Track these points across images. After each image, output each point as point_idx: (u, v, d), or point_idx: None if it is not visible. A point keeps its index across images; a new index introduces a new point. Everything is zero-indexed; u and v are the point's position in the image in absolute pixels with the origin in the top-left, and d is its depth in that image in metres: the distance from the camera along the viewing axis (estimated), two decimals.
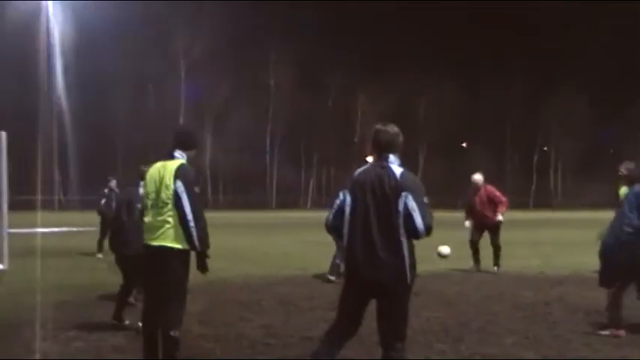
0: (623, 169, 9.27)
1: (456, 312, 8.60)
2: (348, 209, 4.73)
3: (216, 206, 59.65)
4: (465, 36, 74.25)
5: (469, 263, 13.04)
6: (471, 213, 13.13)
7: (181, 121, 60.00)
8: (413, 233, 4.58)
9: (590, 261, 14.93)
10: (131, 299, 8.23)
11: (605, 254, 7.15)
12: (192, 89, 62.80)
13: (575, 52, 74.39)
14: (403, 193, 4.56)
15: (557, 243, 20.59)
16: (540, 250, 17.79)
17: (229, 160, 63.32)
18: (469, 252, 13.04)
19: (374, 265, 4.59)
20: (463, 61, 72.50)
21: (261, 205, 62.74)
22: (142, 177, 7.58)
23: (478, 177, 13.10)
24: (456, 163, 72.48)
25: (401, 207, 4.55)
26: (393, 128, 4.89)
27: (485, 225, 12.85)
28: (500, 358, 6.25)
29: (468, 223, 13.27)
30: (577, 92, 73.38)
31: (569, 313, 8.57)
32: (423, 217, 4.54)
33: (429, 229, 4.56)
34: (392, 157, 4.75)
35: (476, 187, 13.01)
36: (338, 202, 4.79)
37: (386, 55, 70.51)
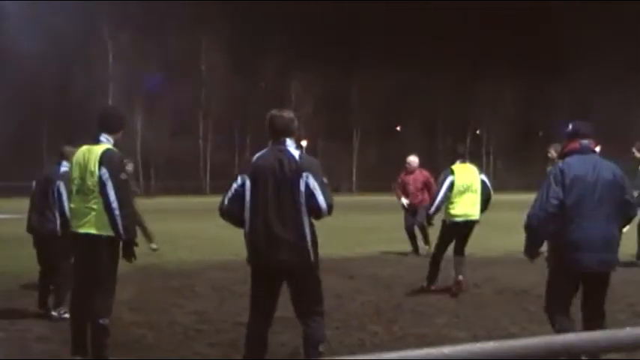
0: (552, 150, 9.81)
1: (390, 294, 8.69)
2: (248, 194, 4.76)
3: (148, 192, 58.68)
4: (396, 20, 74.76)
5: (403, 246, 13.15)
6: (404, 193, 13.02)
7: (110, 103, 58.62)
8: (316, 212, 4.70)
9: (520, 242, 15.36)
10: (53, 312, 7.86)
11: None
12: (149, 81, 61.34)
13: (503, 36, 75.77)
14: (304, 174, 4.67)
15: (487, 225, 20.85)
16: (473, 232, 18.09)
17: (162, 145, 62.24)
18: (403, 235, 13.12)
19: (277, 247, 4.68)
20: (395, 44, 72.97)
21: (195, 190, 62.01)
22: (65, 156, 7.39)
23: (413, 158, 13.08)
24: (390, 147, 73.22)
25: (302, 187, 4.65)
26: (288, 114, 5.03)
27: (416, 208, 12.81)
28: (432, 338, 6.34)
29: (404, 200, 13.06)
30: (506, 75, 74.86)
31: (499, 293, 8.76)
32: (325, 196, 4.67)
33: (330, 208, 4.70)
34: (289, 141, 4.85)
35: (410, 169, 12.99)
36: (235, 186, 4.81)
37: (319, 39, 70.34)
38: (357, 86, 74.28)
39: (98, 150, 5.43)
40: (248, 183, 4.75)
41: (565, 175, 5.09)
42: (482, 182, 9.10)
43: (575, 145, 5.30)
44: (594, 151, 5.39)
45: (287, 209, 4.68)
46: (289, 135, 4.89)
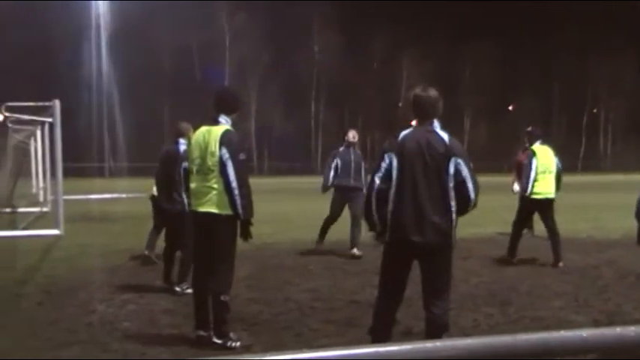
0: None
1: (504, 276, 8.56)
2: (395, 173, 4.68)
3: (261, 172, 59.94)
4: None
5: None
6: (519, 173, 12.67)
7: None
8: (465, 200, 4.65)
9: None
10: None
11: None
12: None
13: (622, 10, 71.92)
14: (453, 158, 4.59)
15: (606, 206, 20.19)
16: (589, 214, 17.51)
17: (275, 126, 63.42)
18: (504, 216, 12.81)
19: (423, 228, 4.60)
20: (507, 23, 70.82)
21: (307, 170, 62.80)
22: (181, 134, 7.75)
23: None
24: (502, 126, 71.40)
25: (452, 171, 4.60)
26: (434, 93, 4.86)
27: None
28: (549, 321, 6.21)
29: (516, 187, 12.84)
30: (625, 52, 71.20)
31: (620, 276, 8.46)
32: (475, 187, 4.64)
33: (476, 201, 4.68)
34: (436, 122, 4.75)
35: (526, 146, 12.46)
36: (384, 165, 4.72)
37: (430, 17, 69.32)
38: (469, 63, 72.79)
39: (218, 131, 5.58)
40: (395, 162, 4.68)
41: None
42: (556, 163, 9.63)
43: None
44: None
45: (435, 191, 4.62)
46: (435, 115, 4.78)
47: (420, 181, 4.62)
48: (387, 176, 4.71)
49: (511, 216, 12.03)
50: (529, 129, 10.33)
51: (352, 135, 10.77)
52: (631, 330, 1.81)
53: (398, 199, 4.69)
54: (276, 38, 61.98)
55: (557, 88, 76.80)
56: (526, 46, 72.74)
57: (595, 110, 79.79)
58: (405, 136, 4.76)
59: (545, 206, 9.52)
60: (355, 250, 10.23)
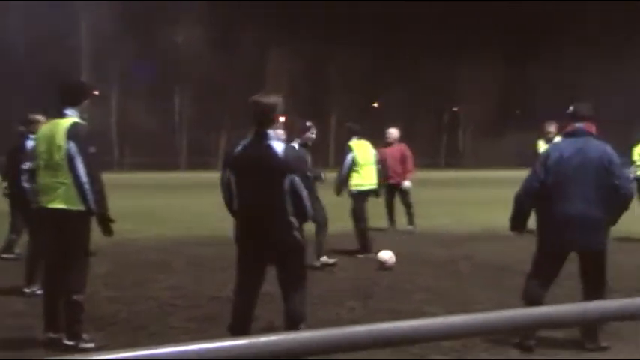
0: (552, 128, 11.62)
1: (368, 270, 8.67)
2: (234, 186, 4.83)
3: (122, 168, 58.21)
4: None
5: (381, 222, 13.15)
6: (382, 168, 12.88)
7: (83, 77, 57.74)
8: (301, 217, 4.78)
9: (500, 218, 15.48)
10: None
11: None
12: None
13: (484, 12, 75.55)
14: (289, 175, 4.66)
15: (467, 201, 21.07)
16: (450, 209, 18.15)
17: (137, 121, 61.48)
18: (384, 211, 13.10)
19: (264, 234, 4.79)
20: (374, 20, 72.47)
21: (171, 166, 61.54)
22: (26, 125, 7.41)
23: (393, 130, 12.94)
24: (367, 123, 73.15)
25: (286, 186, 4.66)
26: (270, 99, 4.94)
27: (394, 181, 12.64)
28: (406, 313, 6.34)
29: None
30: (485, 54, 74.92)
31: (477, 269, 8.79)
32: (308, 203, 4.75)
33: (310, 215, 4.89)
34: (271, 133, 4.77)
35: (388, 141, 12.77)
36: (223, 177, 4.91)
37: (297, 14, 69.61)
38: (335, 62, 73.87)
39: (65, 124, 5.31)
40: (232, 177, 4.79)
41: (550, 157, 5.27)
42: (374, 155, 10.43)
43: (569, 128, 5.45)
44: (589, 133, 5.38)
45: (270, 206, 4.70)
46: (271, 123, 4.79)
47: (256, 195, 4.74)
48: (224, 187, 4.91)
49: (376, 210, 12.30)
50: (348, 124, 11.20)
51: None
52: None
53: (240, 209, 4.88)
54: (138, 30, 60.16)
55: (420, 87, 79.50)
56: (391, 45, 74.75)
57: (455, 109, 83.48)
58: (240, 148, 4.82)
59: (366, 195, 10.16)
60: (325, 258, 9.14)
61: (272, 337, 1.66)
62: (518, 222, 5.57)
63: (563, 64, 74.40)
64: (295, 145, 8.70)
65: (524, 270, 8.18)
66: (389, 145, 12.74)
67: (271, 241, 4.78)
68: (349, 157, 10.08)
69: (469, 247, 10.69)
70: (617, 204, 5.25)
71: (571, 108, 5.52)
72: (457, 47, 75.09)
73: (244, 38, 68.47)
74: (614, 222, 5.38)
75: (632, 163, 12.08)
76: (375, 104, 79.08)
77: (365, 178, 10.09)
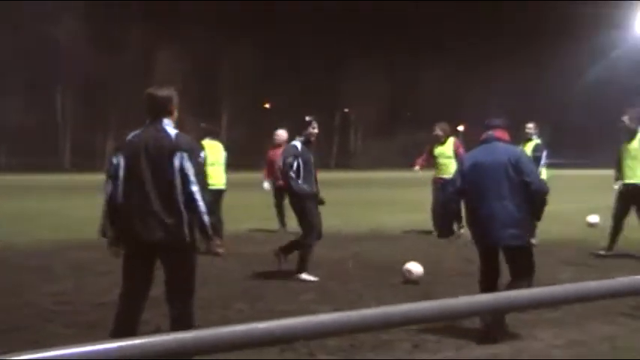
0: (439, 129, 12.25)
1: (257, 272, 8.63)
2: (122, 172, 4.71)
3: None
4: None
5: (271, 224, 13.14)
6: (270, 170, 12.73)
7: None
8: (190, 202, 4.64)
9: (388, 219, 15.90)
10: None
11: None
12: None
13: (373, 14, 77.13)
14: (178, 153, 4.61)
15: (356, 202, 21.34)
16: (339, 210, 18.31)
17: (14, 120, 58.37)
18: (272, 212, 13.10)
19: (152, 225, 4.61)
20: (265, 18, 72.38)
21: (53, 167, 59.04)
22: None
23: (281, 132, 12.83)
24: (258, 123, 73.07)
25: (177, 166, 4.60)
26: (165, 92, 4.92)
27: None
28: (296, 314, 6.35)
29: (267, 185, 13.05)
30: (373, 54, 76.43)
31: (364, 269, 8.92)
32: (201, 187, 4.66)
33: (204, 202, 4.67)
34: (166, 121, 4.79)
35: (277, 143, 12.67)
36: (112, 164, 4.77)
37: (187, 10, 68.35)
38: (226, 61, 73.29)
39: None
40: (122, 162, 4.70)
41: (464, 163, 5.86)
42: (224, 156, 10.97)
43: (483, 135, 5.95)
44: (498, 139, 5.88)
45: (162, 188, 4.62)
46: (167, 114, 4.81)
47: (147, 178, 4.63)
48: (111, 175, 4.76)
49: (266, 212, 12.29)
50: (202, 125, 11.65)
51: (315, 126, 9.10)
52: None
53: (124, 198, 4.72)
54: (15, 26, 57.35)
55: (311, 87, 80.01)
56: (283, 45, 74.90)
57: (346, 110, 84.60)
58: (134, 134, 4.82)
59: (218, 195, 10.27)
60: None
61: (142, 340, 1.65)
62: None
63: (449, 68, 77.12)
64: (297, 143, 8.50)
65: None
66: (278, 146, 12.72)
67: (157, 238, 4.62)
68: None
69: (356, 248, 10.85)
70: (533, 200, 5.65)
71: (486, 121, 6.05)
72: (348, 48, 76.28)
73: (131, 36, 66.67)
74: (537, 217, 5.87)
75: None
76: (267, 105, 79.08)
77: (213, 177, 9.88)
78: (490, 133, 5.89)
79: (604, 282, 2.36)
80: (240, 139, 72.16)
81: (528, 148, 10.98)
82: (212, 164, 10.14)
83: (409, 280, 7.85)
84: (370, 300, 6.96)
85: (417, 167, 12.85)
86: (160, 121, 4.76)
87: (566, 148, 61.66)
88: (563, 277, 7.91)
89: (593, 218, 13.18)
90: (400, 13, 77.46)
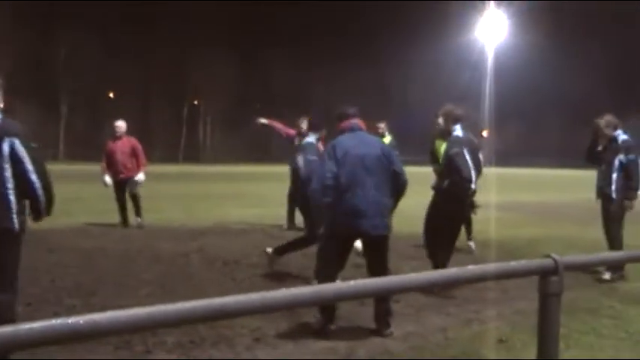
0: (382, 125, 12.62)
1: (92, 267, 8.24)
2: None
3: None
4: None
5: (109, 217, 12.63)
6: (110, 163, 12.28)
7: None
8: (30, 190, 4.55)
9: (232, 212, 15.78)
10: None
11: None
12: None
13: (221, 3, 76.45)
14: (7, 139, 4.43)
15: (202, 196, 21.04)
16: (184, 203, 18.02)
17: None
18: (111, 205, 12.58)
19: None
20: (108, 6, 69.92)
21: None
22: None
23: (121, 123, 12.37)
24: (101, 113, 70.47)
25: (6, 151, 4.43)
26: None
27: (124, 176, 12.17)
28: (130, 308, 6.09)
29: (107, 179, 12.44)
30: (226, 48, 76.03)
31: (208, 263, 8.75)
32: (38, 171, 4.53)
33: (44, 190, 4.60)
34: None
35: (117, 135, 12.27)
36: None
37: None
38: (64, 45, 69.93)
39: None
40: None
41: (337, 151, 5.63)
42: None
43: (346, 124, 5.90)
44: (362, 129, 5.95)
45: None
46: None
47: None
48: None
49: (104, 205, 11.79)
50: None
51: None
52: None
53: None
54: None
55: (158, 78, 78.13)
56: (126, 35, 72.62)
57: (196, 102, 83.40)
58: None
59: None
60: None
61: None
62: (320, 215, 5.86)
63: (298, 58, 78.40)
64: (312, 139, 8.04)
65: (253, 263, 8.45)
66: (117, 138, 12.27)
67: None
68: None
69: (200, 242, 10.63)
70: (397, 190, 5.84)
71: (341, 109, 6.07)
72: (197, 37, 75.17)
73: None
74: (395, 207, 5.94)
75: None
76: (111, 94, 76.45)
77: None
78: (354, 122, 5.90)
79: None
80: (82, 130, 69.34)
81: None
82: None
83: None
84: (215, 294, 6.76)
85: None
86: None
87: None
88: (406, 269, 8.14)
89: None
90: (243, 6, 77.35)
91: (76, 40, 67.91)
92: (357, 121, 5.92)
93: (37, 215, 4.70)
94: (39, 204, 4.59)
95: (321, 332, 5.49)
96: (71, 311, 6.00)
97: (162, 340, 5.13)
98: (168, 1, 72.39)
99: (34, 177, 4.49)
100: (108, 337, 4.46)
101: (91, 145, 60.70)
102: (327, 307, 5.44)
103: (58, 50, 70.06)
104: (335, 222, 5.63)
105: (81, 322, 1.63)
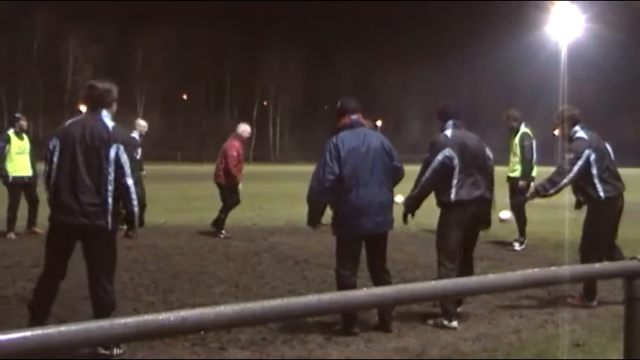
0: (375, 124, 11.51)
1: (169, 265, 8.46)
2: (57, 156, 4.88)
3: None
4: None
5: (185, 217, 12.92)
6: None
7: None
8: (123, 189, 4.85)
9: (305, 212, 15.73)
10: None
11: None
12: None
13: (292, 6, 77.07)
14: (114, 145, 4.79)
15: (273, 195, 21.22)
16: (256, 203, 18.18)
17: None
18: (188, 205, 12.87)
19: (79, 211, 4.76)
20: (181, 7, 71.25)
21: None
22: None
23: (248, 127, 12.23)
24: (176, 114, 71.99)
25: (112, 157, 4.78)
26: (105, 84, 5.09)
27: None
28: (207, 306, 6.22)
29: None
30: (294, 47, 76.55)
31: (278, 261, 8.87)
32: (133, 173, 4.88)
33: (135, 186, 4.93)
34: (105, 112, 4.94)
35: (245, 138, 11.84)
36: (49, 147, 4.93)
37: None
38: (141, 50, 71.71)
39: None
40: (58, 146, 4.87)
41: (340, 150, 5.51)
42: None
43: (345, 120, 5.74)
44: (363, 125, 5.83)
45: (93, 175, 4.78)
46: (105, 106, 4.96)
47: (80, 165, 4.77)
48: (50, 160, 4.93)
49: (181, 204, 12.04)
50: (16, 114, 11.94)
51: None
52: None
53: (58, 182, 4.86)
54: None
55: (229, 80, 79.35)
56: (202, 35, 73.79)
57: (265, 103, 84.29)
58: (72, 121, 5.04)
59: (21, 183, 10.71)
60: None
61: None
62: (316, 216, 5.88)
63: (366, 58, 78.21)
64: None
65: (323, 262, 8.48)
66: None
67: (81, 222, 4.76)
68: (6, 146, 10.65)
69: (271, 241, 10.77)
70: (395, 183, 5.85)
71: (339, 103, 5.90)
72: (267, 41, 75.75)
73: (38, 21, 63.86)
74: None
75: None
76: (185, 96, 78.00)
77: (17, 165, 10.70)
78: (354, 117, 5.74)
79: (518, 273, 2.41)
80: (158, 131, 70.85)
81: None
82: (17, 154, 10.71)
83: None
84: (286, 294, 6.89)
85: None
86: (100, 112, 4.92)
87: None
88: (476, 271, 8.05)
89: (505, 214, 13.37)
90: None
91: (152, 43, 69.52)
92: (357, 117, 5.77)
93: (130, 222, 5.10)
94: (132, 207, 4.91)
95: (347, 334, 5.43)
96: (150, 308, 6.19)
97: (236, 337, 5.23)
98: (238, 2, 73.23)
99: (130, 182, 4.83)
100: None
101: (167, 145, 62.17)
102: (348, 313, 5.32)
103: (136, 54, 71.81)
104: (343, 222, 5.62)
105: (171, 318, 1.69)
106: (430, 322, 5.74)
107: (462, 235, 5.86)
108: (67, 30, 64.74)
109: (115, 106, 5.06)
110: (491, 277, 2.63)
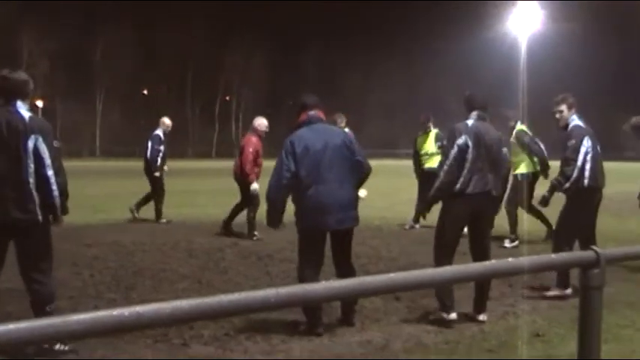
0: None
1: (131, 261, 8.37)
2: None
3: None
4: None
5: (146, 213, 12.80)
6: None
7: None
8: (43, 180, 4.70)
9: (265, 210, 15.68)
10: None
11: None
12: None
13: (252, 4, 76.75)
14: (33, 136, 4.65)
15: (236, 191, 21.00)
16: (218, 199, 18.08)
17: None
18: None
19: (3, 206, 4.64)
20: (140, 3, 70.31)
21: None
22: None
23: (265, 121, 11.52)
24: (136, 109, 71.19)
25: (30, 148, 4.64)
26: (20, 75, 4.95)
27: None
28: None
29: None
30: (255, 44, 76.26)
31: (242, 258, 8.83)
32: (53, 163, 4.71)
33: (57, 177, 4.75)
34: (20, 103, 4.77)
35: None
36: None
37: None
38: (100, 44, 70.66)
39: None
40: None
41: (295, 147, 5.44)
42: None
43: (303, 117, 5.69)
44: (322, 120, 5.75)
45: (13, 170, 4.63)
46: (21, 97, 4.80)
47: (1, 158, 4.64)
48: None
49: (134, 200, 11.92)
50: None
51: None
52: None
53: None
54: None
55: (191, 75, 78.65)
56: (159, 32, 73.00)
57: (228, 98, 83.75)
58: None
59: None
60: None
61: None
62: (275, 216, 5.69)
63: (329, 53, 78.25)
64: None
65: (286, 257, 8.48)
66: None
67: (11, 217, 4.64)
68: None
69: (234, 237, 10.70)
70: (361, 178, 5.76)
71: (299, 100, 5.86)
72: (228, 34, 75.18)
73: None
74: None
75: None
76: (145, 91, 77.19)
77: None
78: (313, 113, 5.67)
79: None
80: (116, 125, 70.02)
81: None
82: None
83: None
84: (249, 289, 6.82)
85: None
86: (15, 104, 4.73)
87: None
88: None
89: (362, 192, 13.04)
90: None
91: (111, 38, 68.58)
92: (315, 112, 5.69)
93: (53, 214, 4.83)
94: (52, 199, 4.74)
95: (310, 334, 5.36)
96: (111, 305, 6.10)
97: (199, 333, 5.20)
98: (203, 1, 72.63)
99: (50, 172, 4.68)
100: (147, 330, 4.54)
101: (126, 141, 61.45)
102: (312, 310, 5.31)
103: (95, 48, 70.81)
104: (304, 219, 5.54)
105: (125, 313, 1.66)
106: (431, 317, 5.73)
107: (461, 229, 5.84)
108: (22, 23, 63.46)
109: (29, 98, 4.94)
110: (452, 269, 2.65)
